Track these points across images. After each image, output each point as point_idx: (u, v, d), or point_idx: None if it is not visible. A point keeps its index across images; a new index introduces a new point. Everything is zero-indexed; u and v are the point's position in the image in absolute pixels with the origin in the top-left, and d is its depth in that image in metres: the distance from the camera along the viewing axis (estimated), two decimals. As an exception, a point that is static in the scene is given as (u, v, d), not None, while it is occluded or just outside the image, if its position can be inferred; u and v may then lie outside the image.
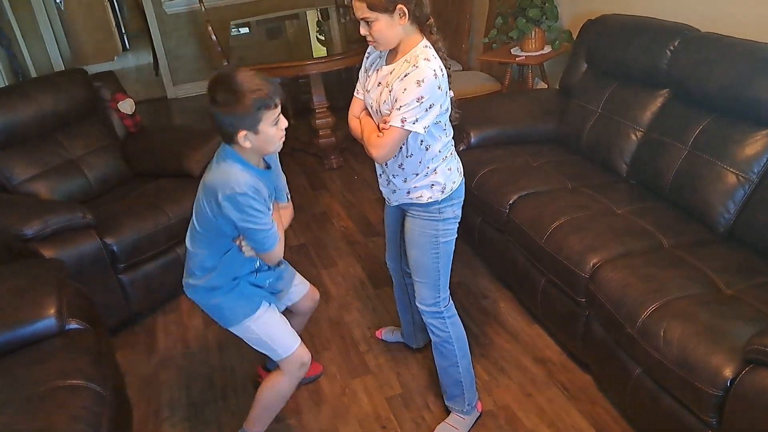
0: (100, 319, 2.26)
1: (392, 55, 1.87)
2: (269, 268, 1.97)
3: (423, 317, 2.10)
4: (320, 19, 5.55)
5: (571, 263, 2.18)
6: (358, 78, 2.01)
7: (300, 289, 2.16)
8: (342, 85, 5.77)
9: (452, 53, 4.61)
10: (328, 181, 4.19)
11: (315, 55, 4.33)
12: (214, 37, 4.72)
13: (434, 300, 2.06)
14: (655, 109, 2.60)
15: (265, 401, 2.02)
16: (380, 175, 2.05)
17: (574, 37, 3.29)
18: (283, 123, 1.70)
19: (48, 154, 3.08)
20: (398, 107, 1.74)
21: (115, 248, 2.67)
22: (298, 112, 5.17)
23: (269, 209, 1.77)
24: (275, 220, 1.81)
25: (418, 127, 1.75)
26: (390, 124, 1.77)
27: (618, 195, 2.51)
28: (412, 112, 1.73)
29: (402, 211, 2.08)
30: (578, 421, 2.14)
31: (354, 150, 4.57)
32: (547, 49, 3.70)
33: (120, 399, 2.04)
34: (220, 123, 1.65)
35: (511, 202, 2.58)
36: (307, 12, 5.73)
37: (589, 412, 2.17)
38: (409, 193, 1.96)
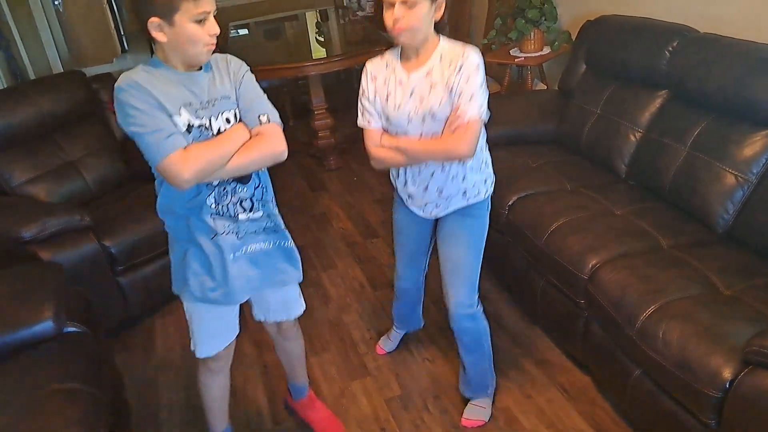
0: (99, 321, 2.26)
1: (412, 59, 1.80)
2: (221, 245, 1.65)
3: (454, 323, 2.06)
4: (319, 20, 5.55)
5: (571, 264, 2.18)
6: (360, 93, 1.89)
7: (277, 314, 1.94)
8: (341, 87, 5.79)
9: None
10: (327, 183, 4.19)
11: (314, 56, 4.32)
12: (212, 39, 4.72)
13: (471, 301, 2.03)
14: (654, 110, 2.60)
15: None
16: (410, 185, 1.97)
17: (573, 38, 3.29)
18: (212, 27, 1.46)
19: (47, 156, 3.08)
20: (469, 98, 1.73)
21: (113, 250, 2.67)
22: (297, 113, 5.18)
23: (176, 114, 1.50)
24: (227, 140, 1.53)
25: (485, 113, 1.77)
26: (468, 117, 1.73)
27: (617, 195, 2.51)
28: (482, 98, 1.75)
29: (434, 221, 2.05)
30: (578, 423, 2.13)
31: (353, 151, 4.57)
32: (546, 50, 3.70)
33: (118, 402, 2.04)
34: (134, 7, 1.45)
35: (510, 203, 2.58)
36: (307, 13, 5.73)
37: (589, 414, 2.16)
38: (465, 193, 1.94)
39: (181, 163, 1.46)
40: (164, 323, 2.88)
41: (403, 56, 1.84)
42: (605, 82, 2.88)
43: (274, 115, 1.63)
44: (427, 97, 1.78)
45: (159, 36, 1.44)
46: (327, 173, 4.32)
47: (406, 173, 1.96)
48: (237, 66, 1.64)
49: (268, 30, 5.53)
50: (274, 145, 1.58)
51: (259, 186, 1.69)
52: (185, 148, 1.48)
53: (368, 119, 1.89)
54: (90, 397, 1.76)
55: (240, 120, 1.61)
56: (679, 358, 1.72)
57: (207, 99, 1.55)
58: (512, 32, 3.65)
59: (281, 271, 1.82)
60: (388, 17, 1.71)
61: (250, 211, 1.68)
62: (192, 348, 1.83)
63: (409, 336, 2.63)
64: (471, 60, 1.74)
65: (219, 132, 1.57)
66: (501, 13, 3.84)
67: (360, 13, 5.76)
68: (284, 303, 1.92)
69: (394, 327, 2.57)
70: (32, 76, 5.52)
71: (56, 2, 6.32)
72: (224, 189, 1.62)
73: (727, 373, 1.61)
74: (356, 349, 2.61)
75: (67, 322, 2.00)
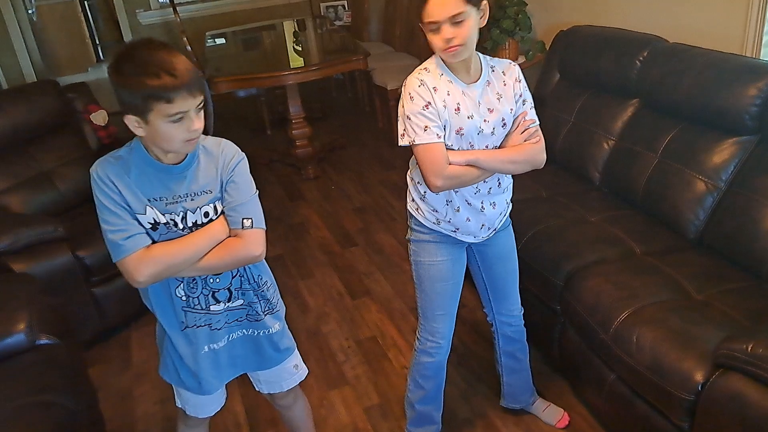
0: (73, 333, 2.23)
1: (462, 71, 1.68)
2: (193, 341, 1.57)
3: (514, 332, 2.07)
4: (297, 29, 5.56)
5: (546, 271, 2.21)
6: (417, 107, 1.64)
7: (270, 387, 1.81)
8: (319, 96, 5.80)
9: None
10: (305, 192, 4.19)
11: (292, 65, 4.33)
12: (188, 48, 4.71)
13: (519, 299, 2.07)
14: (626, 119, 2.65)
15: None
16: (464, 210, 1.78)
17: (547, 47, 3.34)
18: (193, 125, 1.35)
19: (20, 167, 3.04)
20: (531, 106, 1.77)
21: (88, 262, 2.64)
22: (274, 122, 5.17)
23: (140, 213, 1.42)
24: (191, 243, 1.44)
25: None
26: (536, 123, 1.76)
27: (591, 203, 2.55)
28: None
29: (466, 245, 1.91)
30: (555, 428, 2.15)
31: (331, 160, 4.58)
32: (521, 59, 3.75)
33: (93, 414, 2.02)
34: (116, 95, 1.36)
35: (486, 211, 2.60)
36: (284, 23, 5.74)
37: (570, 418, 2.18)
38: (508, 205, 1.90)
39: (136, 265, 1.41)
40: (140, 335, 2.85)
41: (452, 69, 1.69)
42: (578, 91, 2.93)
43: (259, 219, 1.52)
44: (497, 107, 1.71)
45: (137, 131, 1.37)
46: (305, 182, 4.32)
47: (460, 198, 1.77)
48: (230, 155, 1.53)
49: (245, 39, 5.53)
50: (250, 249, 1.50)
51: (236, 275, 1.58)
52: (148, 246, 1.42)
53: (437, 132, 1.64)
54: (64, 410, 1.74)
55: (222, 213, 1.51)
56: (652, 362, 1.75)
57: (185, 192, 1.46)
58: (487, 42, 3.69)
59: (265, 358, 1.70)
60: (437, 40, 1.58)
61: (228, 300, 1.58)
62: (176, 400, 1.75)
63: (387, 344, 2.63)
64: (517, 68, 1.77)
65: (195, 225, 1.48)
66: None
67: (337, 23, 5.79)
68: (275, 377, 1.78)
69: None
70: (5, 86, 5.45)
71: (30, 11, 6.25)
72: (194, 281, 1.53)
73: (698, 376, 1.64)
74: (335, 358, 2.61)
75: (40, 334, 1.98)
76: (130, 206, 1.41)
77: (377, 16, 5.90)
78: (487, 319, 2.12)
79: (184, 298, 1.54)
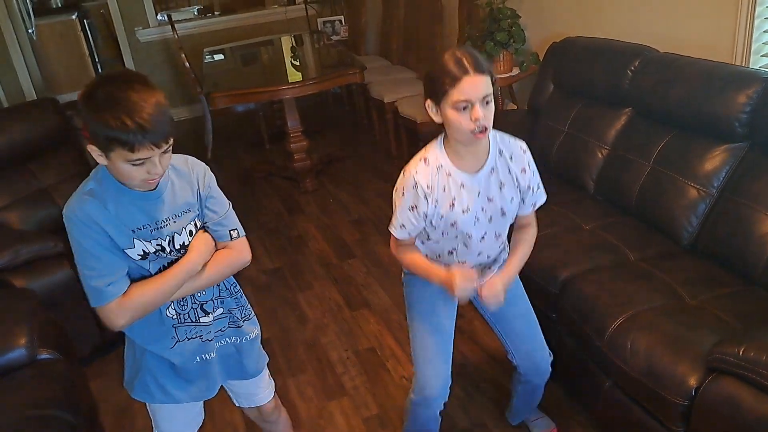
0: (73, 348, 2.24)
1: (467, 157, 1.65)
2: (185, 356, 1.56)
3: (541, 374, 1.97)
4: (294, 44, 5.62)
5: (541, 279, 2.22)
6: (405, 204, 1.68)
7: (248, 401, 1.81)
8: (316, 110, 5.84)
9: (421, 75, 4.69)
10: (303, 205, 4.21)
11: (289, 80, 4.37)
12: (187, 64, 4.75)
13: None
14: (619, 127, 2.68)
15: None
16: (455, 265, 1.72)
17: (541, 59, 3.38)
18: (155, 168, 1.29)
19: (19, 184, 3.06)
20: (537, 184, 1.76)
21: (88, 276, 2.65)
22: (272, 136, 5.21)
23: (129, 247, 1.38)
24: (174, 276, 1.43)
25: None
26: (540, 203, 1.79)
27: (585, 211, 2.57)
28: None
29: None
30: (552, 436, 2.16)
31: (329, 172, 4.61)
32: (516, 71, 3.79)
33: (93, 428, 2.03)
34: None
35: (482, 220, 2.62)
36: (282, 38, 5.80)
37: (564, 426, 2.19)
38: (505, 247, 1.87)
39: (116, 312, 1.39)
40: (140, 349, 2.86)
41: (453, 155, 1.65)
42: (572, 101, 2.96)
43: (240, 227, 1.57)
44: (497, 197, 1.69)
45: (100, 160, 1.31)
46: (303, 195, 4.34)
47: (456, 258, 1.79)
48: (201, 172, 1.51)
49: (243, 55, 5.58)
50: (243, 257, 1.56)
51: (218, 294, 1.61)
52: (125, 293, 1.39)
53: (409, 232, 1.73)
54: (65, 424, 1.75)
55: (202, 227, 1.51)
56: (647, 367, 1.76)
57: (166, 216, 1.43)
58: (482, 54, 3.73)
59: (247, 367, 1.71)
60: (465, 120, 1.52)
61: (213, 311, 1.60)
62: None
63: (386, 355, 2.64)
64: (529, 153, 1.74)
65: (183, 247, 1.47)
66: (471, 35, 3.93)
67: (334, 38, 5.85)
68: (255, 389, 1.79)
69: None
70: (5, 104, 5.50)
71: (30, 30, 6.32)
72: (183, 298, 1.52)
73: (692, 381, 1.65)
74: (333, 369, 2.62)
75: (40, 349, 1.99)
76: (116, 243, 1.37)
77: (374, 31, 5.96)
78: (511, 361, 2.00)
79: (175, 316, 1.53)
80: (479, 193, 1.67)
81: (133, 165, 1.28)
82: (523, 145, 1.74)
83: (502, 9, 3.66)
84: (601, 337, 1.92)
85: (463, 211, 1.67)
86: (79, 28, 7.64)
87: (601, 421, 2.09)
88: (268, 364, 1.80)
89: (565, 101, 3.01)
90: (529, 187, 1.74)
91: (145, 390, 1.59)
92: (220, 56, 5.35)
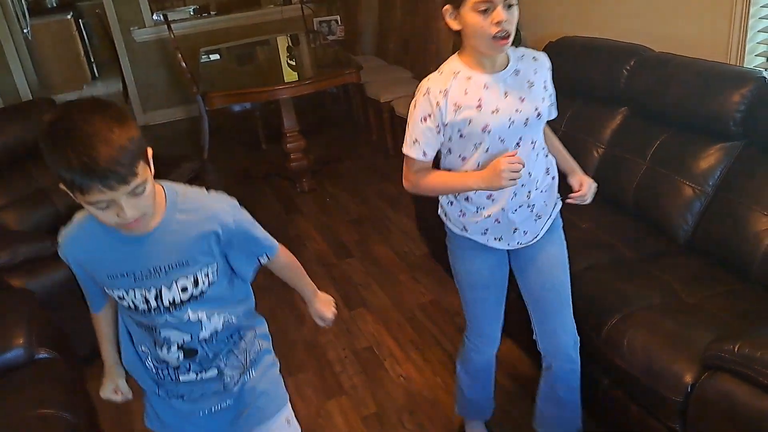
0: (72, 348, 2.25)
1: (486, 63, 1.57)
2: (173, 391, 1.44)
3: (567, 361, 1.83)
4: (290, 44, 5.62)
5: (539, 278, 2.23)
6: (417, 118, 1.58)
7: None
8: (313, 109, 5.84)
9: (420, 75, 4.70)
10: (301, 205, 4.21)
11: (286, 79, 4.37)
12: (183, 64, 4.75)
13: (576, 331, 1.83)
14: (615, 127, 2.69)
15: None
16: (493, 213, 1.66)
17: (537, 58, 3.38)
18: (124, 213, 1.13)
19: (17, 183, 3.07)
20: (551, 101, 1.72)
21: (86, 276, 2.66)
22: (269, 136, 5.21)
23: (109, 288, 1.29)
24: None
25: None
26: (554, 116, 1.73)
27: (581, 210, 2.54)
28: None
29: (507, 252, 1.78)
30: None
31: (326, 172, 4.61)
32: (512, 70, 3.79)
33: (92, 428, 2.03)
34: None
35: (479, 219, 2.63)
36: (278, 38, 5.79)
37: (561, 424, 2.20)
38: (556, 203, 1.76)
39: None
40: (138, 349, 2.86)
41: (470, 61, 1.58)
42: (568, 100, 2.96)
43: (269, 241, 1.47)
44: (528, 97, 1.59)
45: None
46: (300, 195, 4.35)
47: (497, 203, 1.66)
48: (220, 212, 1.31)
49: (239, 55, 5.58)
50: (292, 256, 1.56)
51: (200, 362, 1.41)
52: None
53: (424, 150, 1.59)
54: (64, 423, 1.75)
55: (209, 282, 1.33)
56: (644, 365, 1.78)
57: (153, 266, 1.26)
58: (478, 54, 3.73)
59: (253, 415, 1.49)
60: (485, 23, 1.44)
61: (201, 372, 1.41)
62: None
63: (384, 354, 2.65)
64: (544, 56, 1.70)
65: (173, 305, 1.30)
66: (467, 35, 3.94)
67: (331, 37, 5.85)
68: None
69: (470, 423, 2.14)
70: (1, 104, 5.49)
71: (25, 30, 6.30)
72: (158, 361, 1.40)
73: (688, 378, 1.67)
74: (332, 368, 2.62)
75: (38, 348, 2.00)
76: (95, 278, 1.34)
77: (370, 31, 5.96)
78: (538, 348, 1.90)
79: (153, 369, 1.42)
80: (506, 93, 1.57)
81: (97, 208, 1.13)
82: (543, 53, 1.70)
83: (499, 9, 3.67)
84: (598, 335, 1.94)
85: (493, 112, 1.56)
86: (75, 28, 7.64)
87: (599, 418, 2.10)
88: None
89: (561, 101, 2.91)
90: (549, 89, 1.67)
91: (149, 418, 1.54)
92: (217, 56, 5.35)
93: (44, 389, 1.87)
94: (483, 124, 1.56)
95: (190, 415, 1.47)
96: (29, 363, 1.96)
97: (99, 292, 1.37)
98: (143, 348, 1.41)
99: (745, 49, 2.47)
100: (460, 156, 1.64)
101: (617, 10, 3.09)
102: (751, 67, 2.47)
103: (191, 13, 6.68)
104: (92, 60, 8.22)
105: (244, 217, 1.37)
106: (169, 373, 1.41)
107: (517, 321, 2.38)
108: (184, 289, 1.30)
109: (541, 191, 1.71)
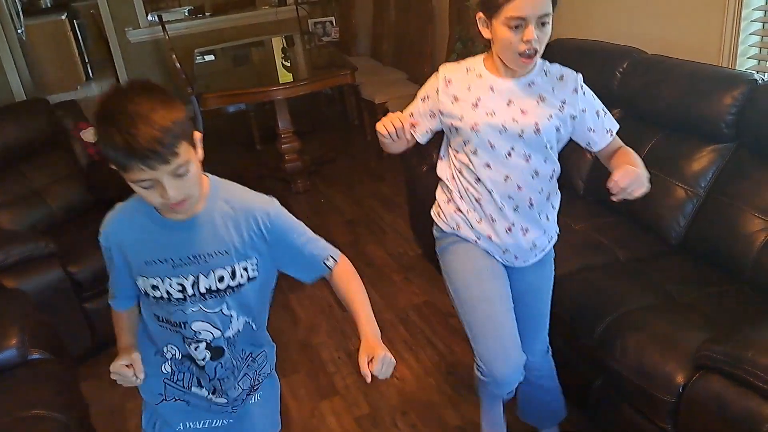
0: (65, 348, 2.24)
1: (504, 69, 1.56)
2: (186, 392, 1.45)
3: (537, 369, 1.85)
4: (285, 46, 5.62)
5: (532, 279, 2.24)
6: (421, 95, 1.65)
7: None
8: (308, 110, 5.84)
9: (414, 77, 4.71)
10: (294, 206, 4.21)
11: (281, 80, 4.37)
12: (178, 65, 4.75)
13: (547, 342, 1.90)
14: (608, 128, 2.70)
15: None
16: (498, 234, 1.64)
17: (531, 60, 3.40)
18: (166, 193, 1.15)
19: (10, 184, 3.06)
20: (603, 110, 1.64)
21: (79, 277, 2.66)
22: (264, 137, 5.21)
23: (127, 272, 1.32)
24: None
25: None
26: (614, 128, 1.66)
27: (576, 212, 2.59)
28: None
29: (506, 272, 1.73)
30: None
31: (321, 173, 4.62)
32: (507, 72, 3.81)
33: (85, 429, 2.02)
34: None
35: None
36: (273, 39, 5.79)
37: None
38: (551, 237, 1.73)
39: None
40: (132, 349, 2.86)
41: (491, 65, 1.59)
42: (562, 102, 2.98)
43: (331, 249, 1.43)
44: (532, 110, 1.54)
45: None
46: (294, 196, 4.34)
47: (487, 206, 1.63)
48: (260, 209, 1.32)
49: (234, 56, 5.57)
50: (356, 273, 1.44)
51: (215, 377, 1.43)
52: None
53: (412, 112, 1.65)
54: (56, 424, 1.75)
55: (248, 277, 1.34)
56: (636, 365, 1.79)
57: (194, 254, 1.28)
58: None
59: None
60: (515, 39, 1.43)
61: (212, 393, 1.45)
62: None
63: (377, 354, 2.66)
64: (582, 81, 1.62)
65: (209, 292, 1.31)
66: (461, 37, 3.95)
67: (326, 38, 5.85)
68: None
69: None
70: (-6, 105, 5.47)
71: (19, 30, 6.29)
72: (182, 363, 1.42)
73: (680, 378, 1.68)
74: (325, 369, 2.63)
75: (31, 349, 1.99)
76: (130, 266, 1.34)
77: (365, 32, 5.97)
78: None
79: (170, 374, 1.45)
80: (510, 101, 1.56)
81: (141, 187, 1.16)
82: (576, 72, 1.64)
83: (493, 10, 3.69)
84: (591, 335, 1.95)
85: (488, 114, 1.55)
86: (69, 29, 7.61)
87: (591, 418, 2.11)
88: None
89: None
90: (583, 111, 1.61)
91: (145, 415, 1.56)
92: (211, 57, 5.34)
93: (37, 390, 1.87)
94: (473, 122, 1.57)
95: (187, 418, 1.47)
96: (22, 364, 1.95)
97: (129, 288, 1.36)
98: (168, 349, 1.41)
99: (737, 51, 2.49)
100: (453, 148, 1.68)
101: (611, 13, 3.11)
102: (743, 69, 2.49)
103: (186, 14, 6.67)
104: (87, 60, 8.19)
105: (283, 218, 1.36)
106: (183, 379, 1.43)
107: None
108: (221, 279, 1.31)
109: (547, 211, 1.69)
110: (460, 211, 1.69)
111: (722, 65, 2.52)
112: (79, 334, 2.70)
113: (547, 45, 3.29)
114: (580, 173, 2.76)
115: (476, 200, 1.64)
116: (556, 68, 1.63)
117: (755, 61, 2.52)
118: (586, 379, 2.03)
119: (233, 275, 1.32)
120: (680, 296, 2.01)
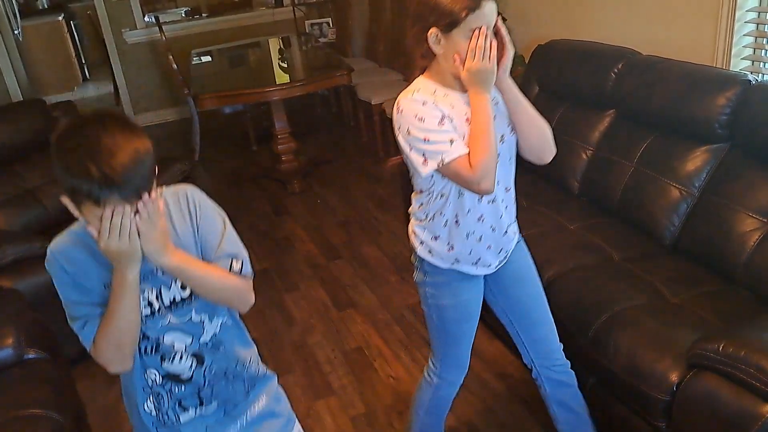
0: (61, 348, 2.24)
1: (460, 85, 1.56)
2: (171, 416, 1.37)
3: (555, 371, 1.83)
4: (282, 47, 5.63)
5: (527, 278, 2.25)
6: (424, 130, 1.50)
7: None
8: (304, 111, 5.85)
9: (408, 77, 4.71)
10: (290, 206, 4.22)
11: (277, 81, 4.38)
12: (174, 66, 4.75)
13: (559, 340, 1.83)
14: (602, 129, 2.71)
15: None
16: (486, 238, 1.66)
17: (527, 61, 3.41)
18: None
19: (6, 185, 3.06)
20: None
21: (74, 277, 2.65)
22: (260, 137, 5.21)
23: (94, 296, 1.25)
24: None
25: None
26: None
27: (570, 212, 2.60)
28: None
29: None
30: (538, 433, 2.19)
31: (316, 174, 4.62)
32: (502, 73, 3.81)
33: (80, 428, 2.02)
34: None
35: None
36: (269, 40, 5.80)
37: (550, 425, 2.20)
38: (514, 219, 1.74)
39: (99, 356, 1.29)
40: (127, 350, 2.86)
41: (442, 82, 1.58)
42: (557, 103, 2.99)
43: (245, 258, 1.33)
44: (500, 111, 1.62)
45: (76, 215, 1.15)
46: (290, 197, 4.35)
47: (485, 226, 1.65)
48: (190, 197, 1.30)
49: (231, 57, 5.58)
50: (249, 296, 1.34)
51: (205, 384, 1.37)
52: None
53: (457, 142, 1.50)
54: (51, 423, 1.75)
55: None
56: (629, 364, 1.80)
57: (148, 267, 1.22)
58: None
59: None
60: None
61: (200, 405, 1.38)
62: None
63: (373, 355, 2.66)
64: None
65: (175, 303, 1.28)
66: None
67: (322, 40, 5.87)
68: None
69: None
70: (-9, 105, 5.47)
71: (16, 31, 6.28)
72: (158, 394, 1.34)
73: (673, 377, 1.69)
74: (320, 369, 2.63)
75: (27, 348, 1.99)
76: (86, 290, 1.27)
77: (361, 33, 5.98)
78: (531, 373, 1.89)
79: (154, 413, 1.36)
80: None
81: (95, 215, 1.10)
82: None
83: (488, 12, 3.69)
84: (584, 335, 1.95)
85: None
86: (66, 30, 7.61)
87: (586, 418, 2.11)
88: None
89: (550, 103, 3.03)
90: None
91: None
92: (208, 58, 5.35)
93: (33, 389, 1.87)
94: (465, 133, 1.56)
95: None
96: (18, 363, 1.95)
97: (96, 314, 1.27)
98: (147, 374, 1.33)
99: (731, 52, 2.51)
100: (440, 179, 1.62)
101: (606, 14, 3.12)
102: (737, 70, 2.51)
103: (183, 15, 6.67)
104: (83, 61, 8.19)
105: (209, 220, 1.30)
106: (168, 416, 1.36)
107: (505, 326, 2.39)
108: (184, 287, 1.28)
109: (511, 205, 1.73)
110: (453, 247, 1.66)
111: (716, 66, 2.53)
112: (75, 335, 2.69)
113: (542, 46, 3.33)
114: (574, 174, 2.77)
115: (479, 221, 1.65)
116: None
117: (749, 62, 2.53)
118: (580, 378, 2.03)
119: None
120: (673, 296, 2.02)
